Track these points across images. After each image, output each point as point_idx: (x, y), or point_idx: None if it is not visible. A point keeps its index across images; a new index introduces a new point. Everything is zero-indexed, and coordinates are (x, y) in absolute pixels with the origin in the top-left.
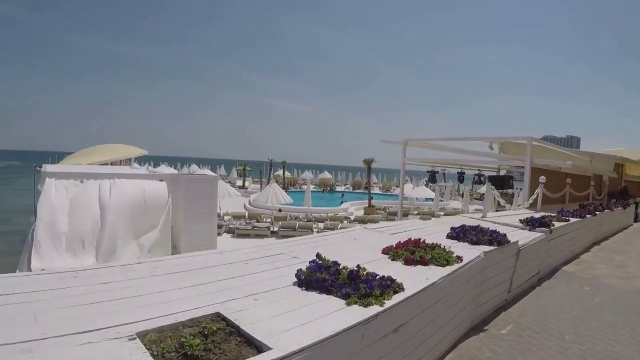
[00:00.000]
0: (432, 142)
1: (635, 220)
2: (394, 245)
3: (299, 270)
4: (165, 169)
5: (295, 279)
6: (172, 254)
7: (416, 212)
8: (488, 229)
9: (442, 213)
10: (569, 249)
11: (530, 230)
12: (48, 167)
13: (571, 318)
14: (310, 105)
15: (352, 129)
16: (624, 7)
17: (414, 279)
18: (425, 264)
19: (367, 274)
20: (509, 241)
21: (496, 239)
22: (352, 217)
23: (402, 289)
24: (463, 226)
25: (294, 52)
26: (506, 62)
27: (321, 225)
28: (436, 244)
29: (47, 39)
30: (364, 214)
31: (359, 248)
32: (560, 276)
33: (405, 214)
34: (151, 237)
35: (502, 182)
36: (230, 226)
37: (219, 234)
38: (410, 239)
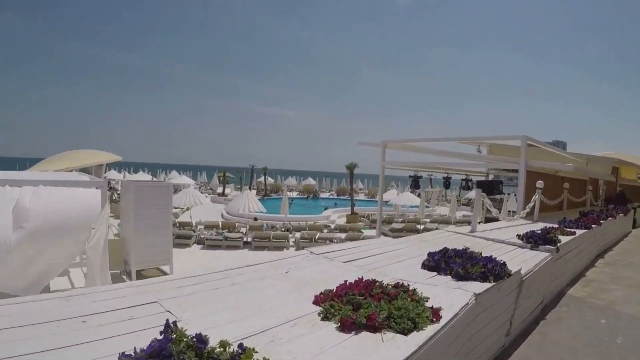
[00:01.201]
0: (414, 144)
1: (634, 227)
2: (335, 290)
3: (124, 356)
4: (143, 176)
5: None
6: (122, 271)
7: (401, 219)
8: (480, 254)
9: (427, 220)
10: (575, 267)
11: (532, 249)
12: None
13: None
14: (297, 111)
15: (340, 133)
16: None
17: None
18: (375, 329)
19: None
20: (509, 273)
21: (492, 270)
22: (332, 226)
23: None
24: (445, 251)
25: (281, 57)
26: (489, 65)
27: (298, 235)
28: (401, 284)
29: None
30: (347, 222)
31: (284, 291)
32: (567, 303)
33: (389, 222)
34: (86, 256)
35: (491, 187)
36: (202, 236)
37: (188, 245)
38: (360, 279)
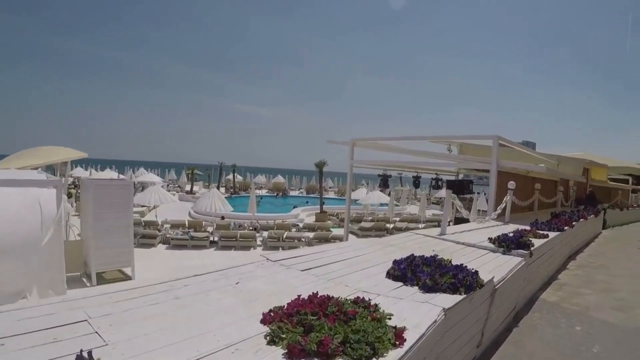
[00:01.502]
0: (384, 143)
1: (604, 227)
2: (285, 307)
3: None
4: (110, 174)
5: None
6: (82, 274)
7: (370, 218)
8: (449, 262)
9: (397, 219)
10: (547, 270)
11: (504, 253)
12: None
13: None
14: (275, 111)
15: (320, 131)
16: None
17: None
18: (327, 357)
19: None
20: (482, 283)
21: (463, 281)
22: (301, 225)
23: None
24: (412, 258)
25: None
26: (457, 70)
27: (265, 234)
28: (362, 299)
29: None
30: (315, 221)
31: (230, 308)
32: (540, 309)
33: (358, 220)
34: (37, 261)
35: (461, 187)
36: (167, 236)
37: (153, 245)
38: (315, 294)
